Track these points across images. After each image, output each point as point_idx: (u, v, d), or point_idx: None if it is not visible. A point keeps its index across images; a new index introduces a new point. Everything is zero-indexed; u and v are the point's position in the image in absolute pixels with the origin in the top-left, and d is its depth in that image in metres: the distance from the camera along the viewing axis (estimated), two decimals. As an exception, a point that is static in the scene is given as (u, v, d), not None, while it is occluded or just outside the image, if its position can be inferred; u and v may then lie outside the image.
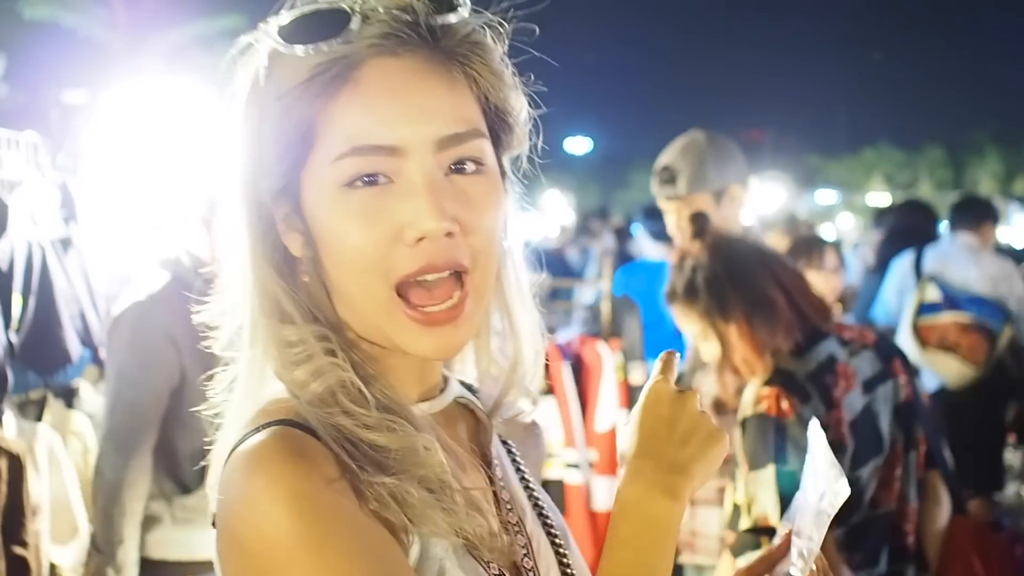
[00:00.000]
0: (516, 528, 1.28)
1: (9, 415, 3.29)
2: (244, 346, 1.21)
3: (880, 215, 9.04)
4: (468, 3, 1.20)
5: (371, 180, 1.13)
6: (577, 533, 5.03)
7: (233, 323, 1.23)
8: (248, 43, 1.19)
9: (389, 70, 1.14)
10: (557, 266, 10.53)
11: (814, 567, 1.30)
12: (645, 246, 7.71)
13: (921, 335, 5.91)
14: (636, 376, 5.30)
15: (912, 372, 3.04)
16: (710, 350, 3.01)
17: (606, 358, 5.11)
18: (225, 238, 1.25)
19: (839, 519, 2.76)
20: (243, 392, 1.21)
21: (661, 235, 6.59)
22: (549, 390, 4.99)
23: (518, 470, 1.38)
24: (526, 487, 1.37)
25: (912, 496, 2.92)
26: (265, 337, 1.18)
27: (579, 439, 5.00)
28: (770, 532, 2.75)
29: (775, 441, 2.72)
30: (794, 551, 1.30)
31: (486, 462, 1.31)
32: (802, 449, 2.68)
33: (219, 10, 15.81)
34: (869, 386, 2.87)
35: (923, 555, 3.00)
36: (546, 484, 5.11)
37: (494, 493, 1.28)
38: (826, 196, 38.23)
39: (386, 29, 1.13)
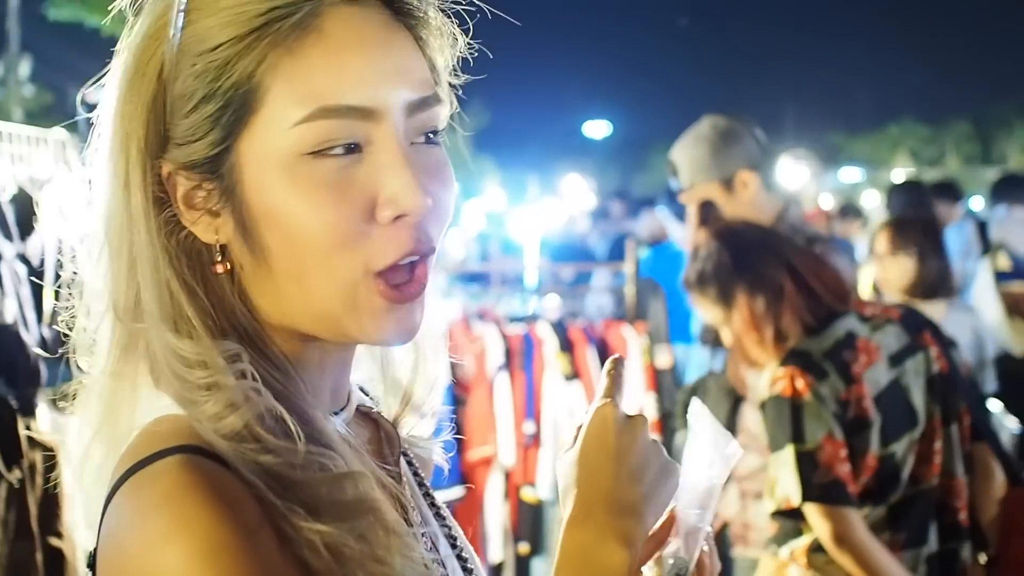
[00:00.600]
0: (432, 555, 1.12)
1: (43, 408, 3.34)
2: (111, 355, 1.01)
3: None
4: None
5: (342, 147, 0.96)
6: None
7: (91, 327, 1.04)
8: None
9: (354, 20, 0.97)
10: (579, 251, 10.54)
11: (706, 547, 1.19)
12: (671, 228, 7.71)
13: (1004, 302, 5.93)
14: (662, 359, 5.31)
15: (946, 344, 3.02)
16: (726, 337, 3.04)
17: (631, 341, 5.12)
18: (94, 224, 1.03)
19: (879, 498, 2.80)
20: (108, 411, 1.01)
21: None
22: (575, 375, 5.01)
23: (421, 484, 1.22)
24: (431, 504, 1.21)
25: (959, 471, 2.90)
26: (163, 353, 0.96)
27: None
28: (798, 514, 2.76)
29: (792, 421, 2.73)
30: (681, 531, 1.19)
31: (395, 479, 1.13)
32: (822, 427, 2.72)
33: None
34: (896, 360, 2.86)
35: (979, 531, 2.98)
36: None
37: (405, 518, 1.10)
38: (850, 174, 37.96)
39: None
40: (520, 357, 4.99)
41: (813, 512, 2.70)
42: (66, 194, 3.65)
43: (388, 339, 1.02)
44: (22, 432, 3.21)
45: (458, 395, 4.87)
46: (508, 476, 4.93)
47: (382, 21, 0.99)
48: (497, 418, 4.90)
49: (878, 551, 2.69)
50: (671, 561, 1.17)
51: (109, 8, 1.05)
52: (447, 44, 1.08)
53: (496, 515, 4.87)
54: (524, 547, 4.98)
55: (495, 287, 6.24)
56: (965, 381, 3.09)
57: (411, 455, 1.24)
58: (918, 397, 2.86)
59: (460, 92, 1.13)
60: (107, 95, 1.02)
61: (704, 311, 3.09)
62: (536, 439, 4.97)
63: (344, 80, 0.95)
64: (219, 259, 1.01)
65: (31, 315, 3.35)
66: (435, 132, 1.03)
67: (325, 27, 0.95)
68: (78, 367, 1.06)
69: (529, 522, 4.99)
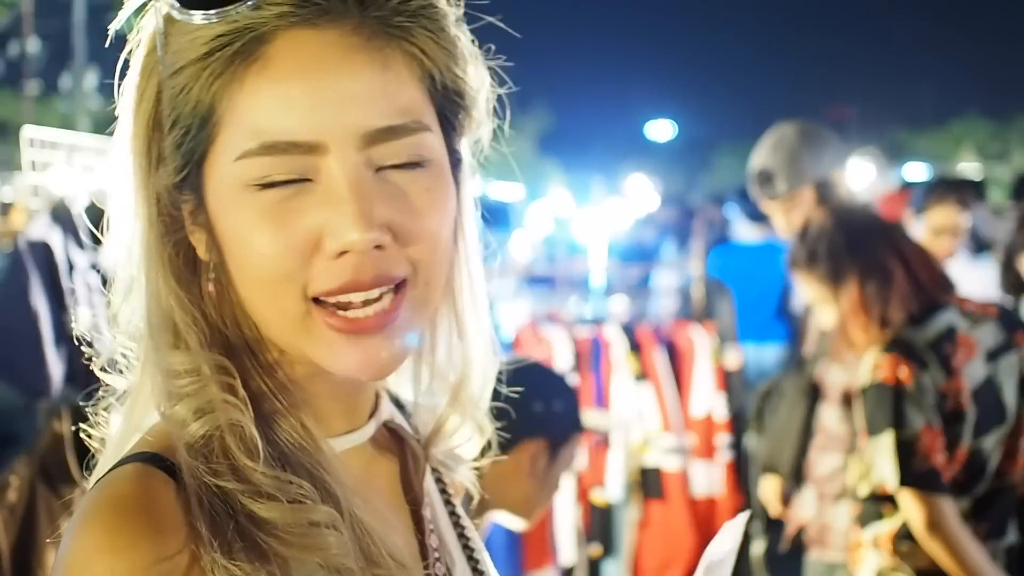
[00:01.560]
0: None
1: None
2: (134, 366, 1.02)
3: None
4: None
5: (284, 180, 0.92)
6: (676, 520, 5.02)
7: (122, 337, 1.04)
8: (143, 1, 0.97)
9: (305, 45, 0.91)
10: (646, 252, 10.51)
11: None
12: (741, 228, 7.66)
13: None
14: (730, 359, 5.27)
15: None
16: (827, 317, 3.08)
17: (700, 342, 5.09)
18: (118, 236, 1.03)
19: (965, 490, 2.80)
20: (129, 421, 1.01)
21: (757, 216, 6.55)
22: (644, 376, 4.99)
23: (447, 503, 1.17)
24: (456, 524, 1.17)
25: None
26: (153, 363, 0.97)
27: (676, 425, 4.99)
28: (889, 499, 2.79)
29: (893, 408, 2.77)
30: None
31: (414, 502, 1.09)
32: (923, 416, 2.73)
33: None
34: (992, 356, 2.90)
35: None
36: (644, 471, 5.14)
37: (421, 542, 1.08)
38: (915, 171, 37.50)
39: None
40: (589, 359, 4.98)
41: (908, 498, 2.75)
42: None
43: (347, 372, 0.96)
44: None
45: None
46: (578, 478, 4.91)
47: (344, 44, 0.92)
48: (566, 421, 4.87)
49: (968, 541, 2.74)
50: None
51: None
52: (463, 55, 1.00)
53: (567, 517, 4.86)
54: (595, 549, 4.97)
55: (562, 290, 6.22)
56: None
57: (441, 472, 1.20)
58: (1009, 394, 2.90)
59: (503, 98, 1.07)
60: (122, 107, 1.00)
61: (807, 290, 3.14)
62: (606, 441, 4.95)
63: (285, 114, 0.90)
64: (211, 276, 0.99)
65: (104, 324, 3.41)
66: (419, 156, 0.95)
67: (272, 55, 0.91)
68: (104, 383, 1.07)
69: (600, 524, 4.98)
